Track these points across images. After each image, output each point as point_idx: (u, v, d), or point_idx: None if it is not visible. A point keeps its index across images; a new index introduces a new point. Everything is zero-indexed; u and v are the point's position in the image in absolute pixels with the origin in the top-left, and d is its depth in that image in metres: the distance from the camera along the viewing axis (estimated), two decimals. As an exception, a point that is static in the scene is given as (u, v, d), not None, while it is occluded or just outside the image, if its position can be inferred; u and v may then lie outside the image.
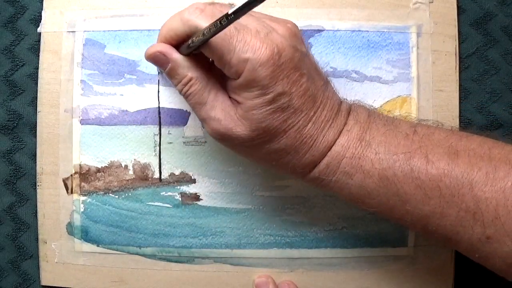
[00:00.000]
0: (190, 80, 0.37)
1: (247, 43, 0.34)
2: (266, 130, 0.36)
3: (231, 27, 0.33)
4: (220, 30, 0.32)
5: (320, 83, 0.37)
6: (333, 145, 0.37)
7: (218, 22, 0.31)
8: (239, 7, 0.29)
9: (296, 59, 0.35)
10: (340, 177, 0.37)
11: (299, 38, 0.37)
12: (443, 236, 0.36)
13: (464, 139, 0.37)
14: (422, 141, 0.36)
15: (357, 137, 0.37)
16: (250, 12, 0.32)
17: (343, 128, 0.37)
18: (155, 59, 0.38)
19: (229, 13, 0.30)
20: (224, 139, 0.38)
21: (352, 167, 0.36)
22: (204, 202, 0.47)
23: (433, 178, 0.34)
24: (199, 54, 0.37)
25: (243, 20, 0.34)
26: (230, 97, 0.38)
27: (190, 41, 0.35)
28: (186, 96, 0.38)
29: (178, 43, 0.38)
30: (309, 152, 0.37)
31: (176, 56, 0.37)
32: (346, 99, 0.41)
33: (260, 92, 0.35)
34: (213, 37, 0.33)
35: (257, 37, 0.34)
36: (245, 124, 0.36)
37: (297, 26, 0.38)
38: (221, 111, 0.37)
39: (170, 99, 0.47)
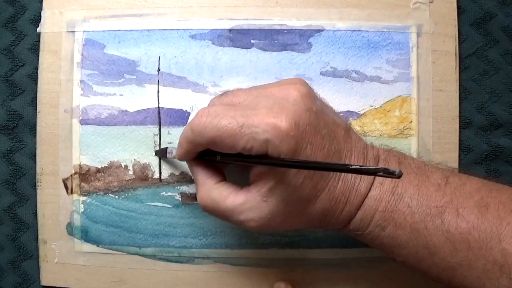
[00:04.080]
0: None
1: (260, 125, 0.32)
2: (297, 201, 0.35)
3: (233, 122, 0.32)
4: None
5: (341, 133, 0.36)
6: (365, 198, 0.36)
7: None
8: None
9: (313, 122, 0.33)
10: (372, 229, 0.37)
11: (311, 95, 0.35)
12: None
13: (494, 191, 0.36)
14: (454, 193, 0.35)
15: (389, 190, 0.36)
16: (258, 87, 0.36)
17: (373, 180, 0.36)
18: None
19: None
20: (265, 229, 0.36)
21: (385, 220, 0.36)
22: (204, 202, 0.47)
23: (462, 231, 0.34)
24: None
25: (253, 101, 0.35)
26: (252, 183, 0.36)
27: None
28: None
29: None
30: (344, 209, 0.36)
31: None
32: (372, 143, 0.40)
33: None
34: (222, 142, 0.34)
35: (270, 115, 0.32)
36: (271, 202, 0.35)
37: (305, 82, 0.35)
38: (250, 210, 0.36)
39: (170, 99, 0.47)
